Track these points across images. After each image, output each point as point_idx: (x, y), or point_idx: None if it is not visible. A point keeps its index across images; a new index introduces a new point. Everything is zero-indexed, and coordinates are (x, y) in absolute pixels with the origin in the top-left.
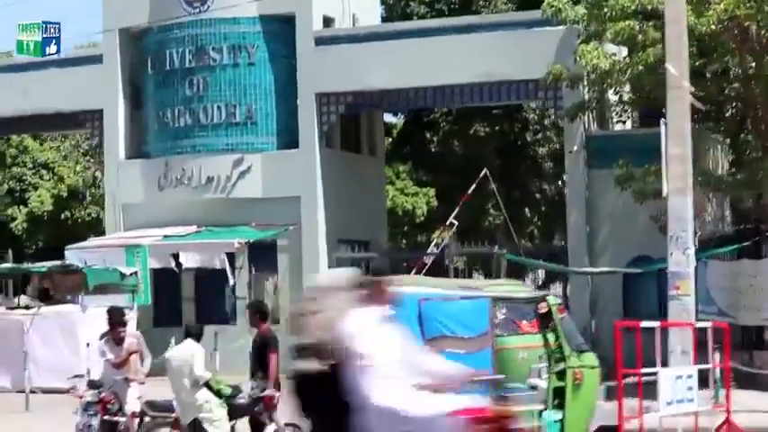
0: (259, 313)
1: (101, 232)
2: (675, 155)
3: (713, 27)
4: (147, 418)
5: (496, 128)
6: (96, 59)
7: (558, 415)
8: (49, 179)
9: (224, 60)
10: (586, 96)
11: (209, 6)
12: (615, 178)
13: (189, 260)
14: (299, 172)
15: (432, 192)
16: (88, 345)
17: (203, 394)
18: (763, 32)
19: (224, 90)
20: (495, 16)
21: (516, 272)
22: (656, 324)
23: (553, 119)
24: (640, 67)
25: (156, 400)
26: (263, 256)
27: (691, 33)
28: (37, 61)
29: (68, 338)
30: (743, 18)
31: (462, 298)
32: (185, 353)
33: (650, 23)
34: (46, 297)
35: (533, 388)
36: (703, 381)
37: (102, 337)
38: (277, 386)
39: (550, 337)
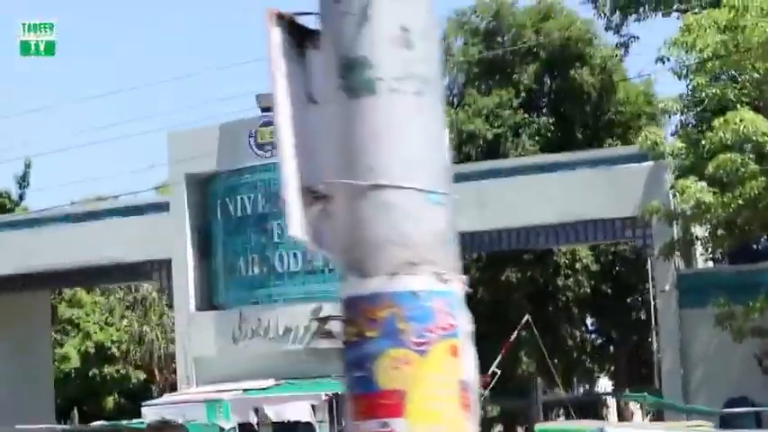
0: None
1: (128, 390)
2: None
3: None
4: None
5: (528, 273)
6: (163, 207)
7: None
8: (75, 336)
9: None
10: (676, 234)
11: None
12: (715, 317)
13: (273, 414)
14: None
15: None
16: None
17: None
18: None
19: None
20: (577, 154)
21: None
22: None
23: (585, 263)
24: (740, 201)
25: None
26: (342, 408)
27: None
28: (97, 210)
29: None
30: None
31: None
32: None
33: (751, 155)
34: None
35: None
36: None
37: None
38: None
39: None
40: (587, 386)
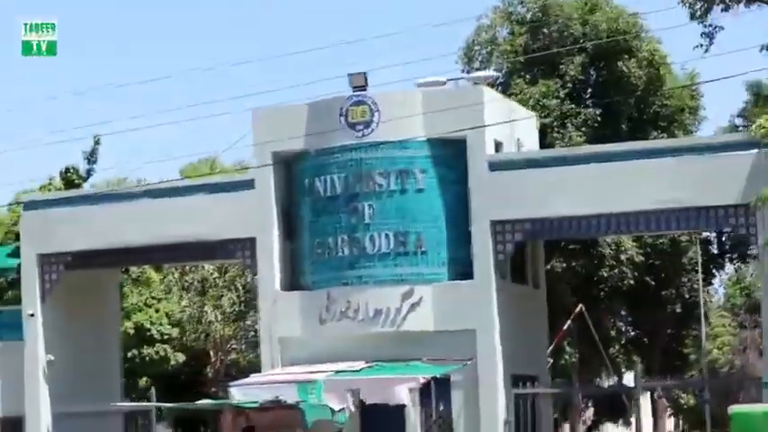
0: None
1: (164, 372)
2: None
3: None
4: None
5: (573, 263)
6: (248, 185)
7: None
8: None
9: (391, 186)
10: None
11: (372, 129)
12: None
13: (369, 396)
14: (473, 304)
15: None
16: None
17: None
18: None
19: (392, 217)
20: (680, 140)
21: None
22: None
23: (630, 254)
24: None
25: None
26: (435, 391)
27: None
28: (180, 186)
29: None
30: None
31: None
32: None
33: None
34: None
35: None
36: None
37: None
38: None
39: None
40: (616, 378)
